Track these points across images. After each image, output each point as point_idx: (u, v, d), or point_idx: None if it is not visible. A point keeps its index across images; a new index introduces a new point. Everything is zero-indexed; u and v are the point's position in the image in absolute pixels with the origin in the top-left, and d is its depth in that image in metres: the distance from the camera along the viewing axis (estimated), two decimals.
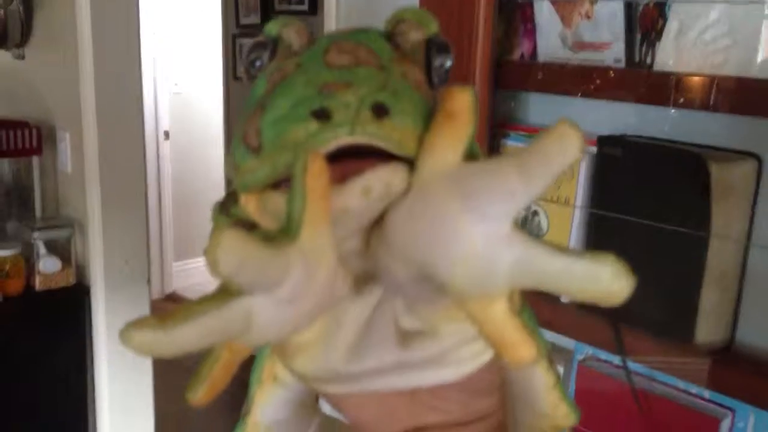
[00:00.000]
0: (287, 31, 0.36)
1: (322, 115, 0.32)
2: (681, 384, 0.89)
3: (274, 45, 0.36)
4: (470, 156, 0.33)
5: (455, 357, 0.41)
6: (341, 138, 0.31)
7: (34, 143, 2.05)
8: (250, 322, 0.31)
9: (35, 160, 2.09)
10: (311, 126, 0.32)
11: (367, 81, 0.33)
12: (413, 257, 0.31)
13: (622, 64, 0.88)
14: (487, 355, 0.42)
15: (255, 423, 0.46)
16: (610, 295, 0.30)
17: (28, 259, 1.98)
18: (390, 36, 0.36)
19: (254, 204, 0.35)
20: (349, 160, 0.32)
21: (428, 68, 0.36)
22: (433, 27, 0.37)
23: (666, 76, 0.85)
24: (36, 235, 1.98)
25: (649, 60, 0.87)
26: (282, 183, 0.33)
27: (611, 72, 0.89)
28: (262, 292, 0.31)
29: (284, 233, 0.31)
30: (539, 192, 0.29)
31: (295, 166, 0.31)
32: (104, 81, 1.93)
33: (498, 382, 0.42)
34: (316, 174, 0.30)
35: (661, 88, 0.85)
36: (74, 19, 1.92)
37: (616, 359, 0.93)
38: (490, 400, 0.41)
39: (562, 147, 0.29)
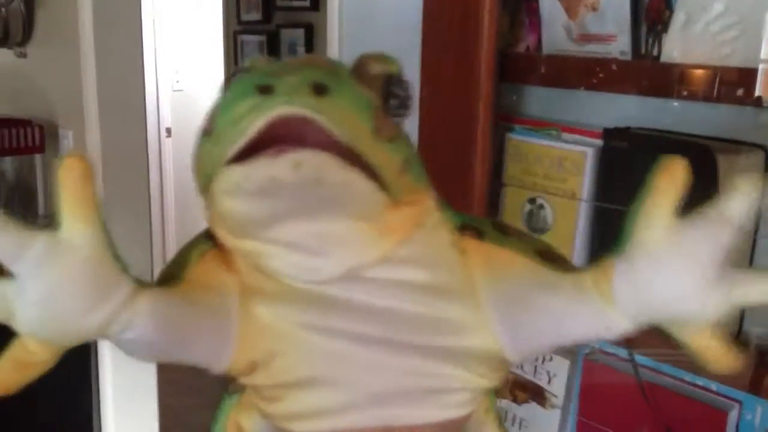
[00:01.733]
0: (259, 61, 0.41)
1: (266, 90, 0.35)
2: (688, 376, 0.88)
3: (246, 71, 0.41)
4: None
5: (451, 401, 0.43)
6: (280, 108, 0.34)
7: (37, 141, 2.05)
8: (9, 304, 0.35)
9: (38, 158, 2.09)
10: (254, 99, 0.35)
11: (314, 70, 0.37)
12: (655, 301, 0.37)
13: (628, 57, 0.88)
14: (472, 406, 0.46)
15: None
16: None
17: None
18: (355, 70, 0.41)
19: (217, 187, 0.38)
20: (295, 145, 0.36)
21: (386, 95, 0.40)
22: (395, 67, 0.42)
23: (671, 67, 0.84)
24: None
25: (655, 52, 0.86)
26: (238, 159, 0.36)
27: (616, 64, 0.89)
28: (2, 259, 0.34)
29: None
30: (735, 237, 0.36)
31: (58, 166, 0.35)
32: (106, 79, 1.93)
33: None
34: (68, 167, 0.35)
35: (667, 80, 0.85)
36: (76, 17, 1.91)
37: (623, 352, 0.93)
38: None
39: (751, 189, 0.36)
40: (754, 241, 0.83)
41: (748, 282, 0.37)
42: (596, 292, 0.38)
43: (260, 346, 0.42)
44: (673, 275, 0.36)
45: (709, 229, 0.36)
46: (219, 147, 0.37)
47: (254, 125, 0.35)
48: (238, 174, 0.36)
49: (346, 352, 0.42)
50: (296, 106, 0.35)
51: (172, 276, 0.41)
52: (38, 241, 0.35)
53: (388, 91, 0.41)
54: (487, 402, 0.49)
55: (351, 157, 0.36)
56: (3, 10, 2.09)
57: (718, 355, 0.38)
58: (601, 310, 0.39)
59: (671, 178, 0.36)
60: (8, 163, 2.19)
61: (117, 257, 0.37)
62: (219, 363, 0.43)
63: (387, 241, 0.40)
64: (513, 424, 1.09)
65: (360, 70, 0.41)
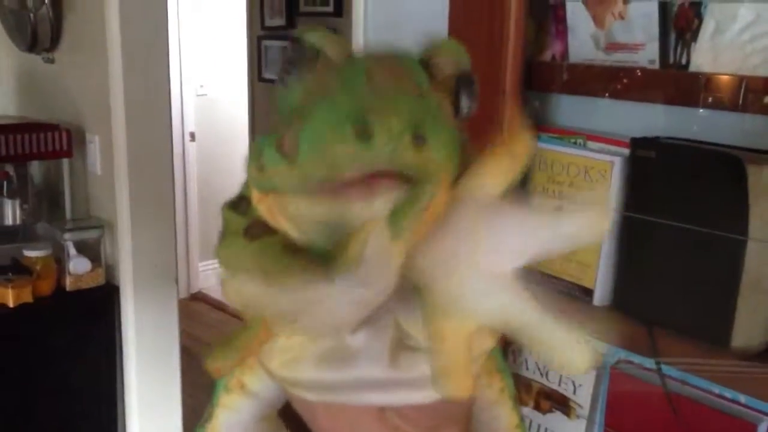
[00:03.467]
0: (329, 43, 0.36)
1: (364, 134, 0.31)
2: (716, 388, 0.88)
3: (313, 55, 0.36)
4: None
5: (427, 381, 0.41)
6: (381, 163, 0.31)
7: (65, 145, 2.08)
8: (319, 307, 0.32)
9: (65, 162, 2.12)
10: (351, 144, 0.31)
11: (408, 108, 0.33)
12: (425, 263, 0.32)
13: (657, 65, 0.87)
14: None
15: (214, 430, 0.47)
16: (572, 368, 0.33)
17: (59, 259, 2.01)
18: (425, 64, 0.37)
19: (270, 204, 0.35)
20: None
21: (457, 102, 0.37)
22: (466, 62, 0.38)
23: (698, 76, 0.84)
24: (66, 236, 2.00)
25: (684, 61, 0.86)
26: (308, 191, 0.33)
27: (642, 73, 0.89)
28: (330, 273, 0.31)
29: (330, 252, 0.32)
30: (549, 255, 0.32)
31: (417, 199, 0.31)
32: (133, 84, 1.95)
33: (465, 413, 0.43)
34: (440, 194, 0.31)
35: (694, 89, 0.84)
36: (103, 22, 1.94)
37: (650, 362, 0.92)
38: (454, 430, 0.42)
39: (592, 223, 0.32)
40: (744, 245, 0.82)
41: (532, 314, 0.33)
42: None
43: None
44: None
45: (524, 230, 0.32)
46: (301, 177, 0.33)
47: (350, 174, 0.32)
48: (318, 210, 0.33)
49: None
50: (397, 163, 0.32)
51: None
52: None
53: (461, 94, 0.38)
54: (502, 383, 0.48)
55: None
56: (31, 16, 2.12)
57: (456, 367, 0.34)
58: None
59: (515, 155, 0.33)
60: (36, 167, 2.23)
61: None
62: None
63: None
64: None
65: (432, 67, 0.37)
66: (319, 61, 0.36)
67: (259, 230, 0.37)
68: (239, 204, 0.39)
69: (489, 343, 0.42)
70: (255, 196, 0.37)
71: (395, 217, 0.31)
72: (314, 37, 0.37)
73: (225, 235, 0.39)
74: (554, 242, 0.31)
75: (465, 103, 0.37)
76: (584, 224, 0.32)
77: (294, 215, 0.34)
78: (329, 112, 0.33)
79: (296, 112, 0.34)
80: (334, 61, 0.36)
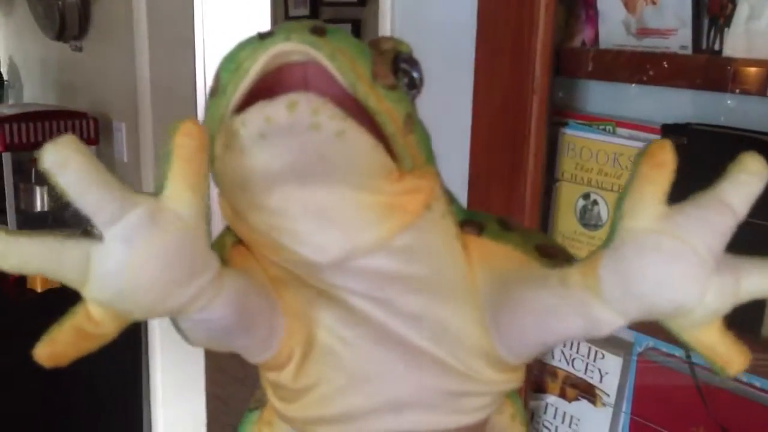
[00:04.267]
0: None
1: (266, 35, 0.35)
2: (745, 377, 0.87)
3: None
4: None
5: (468, 406, 0.43)
6: (279, 45, 0.34)
7: (92, 133, 2.10)
8: (88, 268, 0.32)
9: (92, 149, 2.14)
10: (255, 43, 0.35)
11: (316, 22, 0.37)
12: (644, 291, 0.33)
13: (689, 51, 0.86)
14: (487, 411, 0.44)
15: None
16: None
17: None
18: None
19: (219, 143, 0.37)
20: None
21: (395, 64, 0.40)
22: (406, 47, 0.42)
23: (731, 62, 0.82)
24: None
25: (717, 47, 0.85)
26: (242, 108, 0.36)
27: (672, 59, 0.88)
28: (97, 220, 0.32)
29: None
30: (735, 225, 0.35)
31: (172, 128, 0.33)
32: (159, 72, 1.97)
33: None
34: (185, 133, 0.32)
35: (724, 75, 0.83)
36: (131, 11, 1.95)
37: (678, 351, 0.92)
38: None
39: (753, 174, 0.34)
40: None
41: (755, 271, 0.34)
42: (582, 286, 0.35)
43: (298, 333, 0.41)
44: (662, 263, 0.32)
45: (703, 214, 0.33)
46: (224, 100, 0.36)
47: (254, 67, 0.35)
48: (236, 121, 0.35)
49: (360, 352, 0.40)
50: (294, 42, 0.34)
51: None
52: (141, 205, 0.32)
53: (398, 67, 0.40)
54: (512, 408, 0.49)
55: (351, 110, 0.35)
56: (60, 4, 2.14)
57: (726, 354, 0.36)
58: (588, 304, 0.35)
59: (657, 164, 0.33)
60: None
61: (210, 233, 0.35)
62: (269, 350, 0.41)
63: (392, 221, 0.38)
64: (563, 422, 1.08)
65: (371, 45, 0.40)
66: None
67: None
68: None
69: (519, 381, 0.45)
70: (223, 212, 0.42)
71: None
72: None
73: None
74: (742, 206, 0.35)
75: (404, 80, 0.40)
76: (744, 168, 0.35)
77: (232, 138, 0.36)
78: (244, 40, 0.37)
79: None
80: None
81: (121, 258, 0.32)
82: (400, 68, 0.40)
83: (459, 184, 1.10)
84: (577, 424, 1.06)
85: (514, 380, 0.44)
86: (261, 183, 0.36)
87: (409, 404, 0.41)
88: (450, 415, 0.42)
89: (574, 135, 1.01)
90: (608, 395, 1.02)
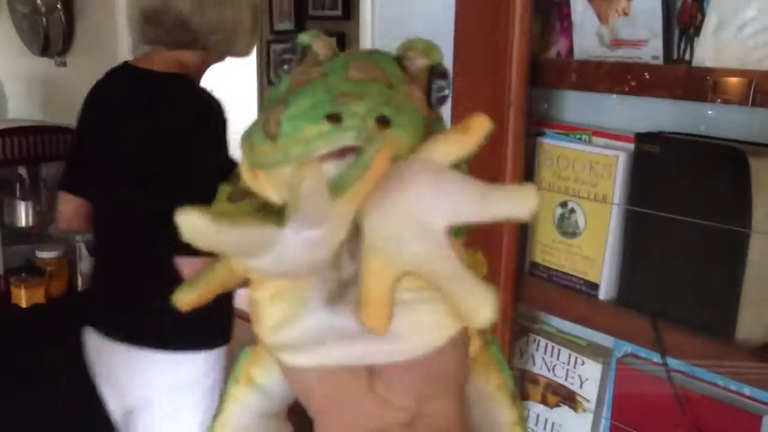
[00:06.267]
0: (317, 42, 0.42)
1: (334, 119, 0.37)
2: (721, 381, 0.88)
3: (303, 52, 0.42)
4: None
5: (408, 332, 0.43)
6: (347, 140, 0.36)
7: None
8: (271, 247, 0.35)
9: None
10: (323, 127, 0.37)
11: (376, 96, 0.38)
12: (368, 206, 0.35)
13: (660, 61, 0.88)
14: (438, 339, 0.45)
15: (224, 424, 0.48)
16: (475, 320, 0.35)
17: (71, 260, 2.03)
18: (400, 60, 0.42)
19: (259, 178, 0.39)
20: None
21: (429, 90, 0.41)
22: (437, 56, 0.42)
23: (703, 72, 0.84)
24: (78, 237, 2.02)
25: (687, 56, 0.86)
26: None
27: (647, 69, 0.89)
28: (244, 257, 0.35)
29: (279, 212, 0.36)
30: (480, 221, 0.34)
31: (364, 149, 0.35)
32: None
33: (456, 384, 0.44)
34: (380, 158, 0.34)
35: (699, 85, 0.85)
36: (115, 27, 1.96)
37: (656, 357, 0.93)
38: (443, 401, 0.43)
39: (522, 201, 0.34)
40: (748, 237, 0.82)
41: (445, 267, 0.35)
42: None
43: None
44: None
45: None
46: (282, 155, 0.38)
47: (321, 151, 0.37)
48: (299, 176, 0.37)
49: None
50: (361, 140, 0.37)
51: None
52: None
53: (431, 84, 0.43)
54: (498, 378, 0.49)
55: None
56: (44, 20, 2.14)
57: (379, 303, 0.37)
58: None
59: (470, 130, 0.35)
60: (48, 169, 2.25)
61: None
62: None
63: None
64: (545, 428, 1.09)
65: (405, 61, 0.42)
66: (307, 57, 0.42)
67: (243, 196, 0.42)
68: (233, 178, 0.43)
69: (476, 343, 0.46)
70: (247, 172, 0.42)
71: (340, 175, 0.36)
72: (305, 36, 0.42)
73: (213, 202, 0.43)
74: (485, 211, 0.35)
75: (436, 91, 0.41)
76: (515, 200, 0.35)
77: (278, 184, 0.39)
78: (307, 98, 0.38)
79: (281, 99, 0.40)
80: (320, 57, 0.42)
81: (300, 254, 0.35)
82: (436, 86, 0.42)
83: None
84: (558, 430, 1.07)
85: (477, 342, 0.47)
86: None
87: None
88: (402, 342, 0.45)
89: (551, 144, 1.02)
90: (588, 401, 1.03)
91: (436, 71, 0.42)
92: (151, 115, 1.39)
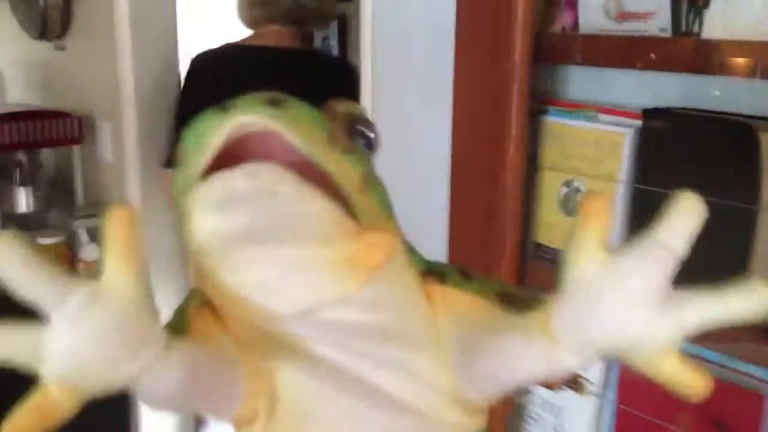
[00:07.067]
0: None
1: (225, 108, 0.38)
2: (729, 362, 0.86)
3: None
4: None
5: None
6: (239, 117, 0.37)
7: (75, 133, 2.08)
8: (41, 350, 0.34)
9: (76, 149, 2.12)
10: (215, 117, 0.38)
11: (273, 93, 0.39)
12: (596, 335, 0.36)
13: (668, 34, 0.86)
14: None
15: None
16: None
17: (71, 247, 2.02)
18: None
19: (185, 210, 0.40)
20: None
21: (352, 133, 0.42)
22: (359, 110, 0.44)
23: (711, 45, 0.82)
24: (78, 223, 2.01)
25: (696, 29, 0.84)
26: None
27: (654, 43, 0.87)
28: (42, 306, 0.34)
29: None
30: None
31: (103, 215, 0.36)
32: (143, 71, 1.95)
33: None
34: (115, 219, 0.35)
35: (706, 57, 0.83)
36: (113, 10, 1.94)
37: None
38: None
39: (690, 216, 0.37)
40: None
41: (702, 303, 0.37)
42: (541, 331, 0.38)
43: (262, 391, 0.43)
44: (610, 306, 0.36)
45: (644, 257, 0.36)
46: (189, 170, 0.39)
47: (215, 139, 0.37)
48: (200, 190, 0.38)
49: (327, 402, 0.43)
50: (252, 115, 0.37)
51: (177, 328, 0.42)
52: (81, 290, 0.35)
53: (354, 129, 0.42)
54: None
55: (310, 175, 0.38)
56: (42, 3, 2.12)
57: (686, 381, 0.39)
58: (547, 348, 0.38)
59: (596, 214, 0.36)
60: (47, 155, 2.23)
61: (154, 307, 0.37)
62: (230, 411, 0.43)
63: (353, 276, 0.40)
64: (548, 412, 1.08)
65: (327, 110, 0.43)
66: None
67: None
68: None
69: (483, 423, 0.48)
70: (192, 273, 0.43)
71: None
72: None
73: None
74: (680, 248, 0.38)
75: (360, 141, 0.42)
76: (682, 212, 0.37)
77: (191, 228, 0.39)
78: (205, 113, 0.40)
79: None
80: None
81: (66, 339, 0.34)
82: (356, 130, 0.42)
83: (441, 176, 1.10)
84: (562, 414, 1.06)
85: (479, 422, 0.47)
86: (225, 245, 0.39)
87: None
88: None
89: (555, 122, 1.00)
90: (593, 384, 1.02)
91: (357, 117, 0.43)
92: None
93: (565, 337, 0.37)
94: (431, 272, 0.46)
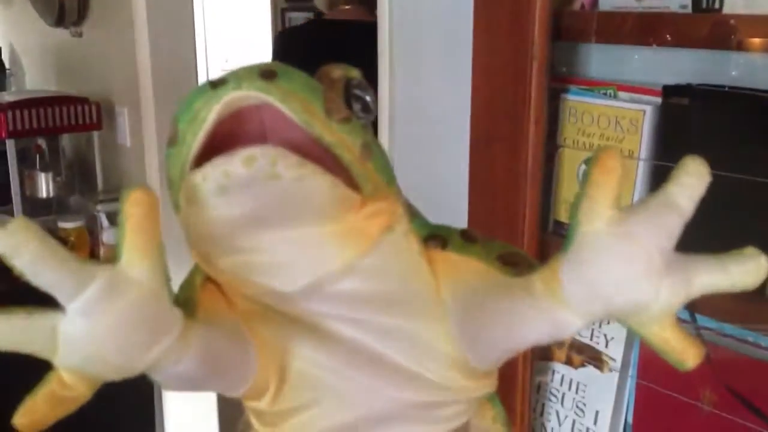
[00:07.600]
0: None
1: (218, 84, 0.37)
2: (751, 336, 0.87)
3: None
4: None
5: (445, 415, 0.45)
6: (231, 93, 0.36)
7: (94, 118, 2.10)
8: (56, 339, 0.34)
9: (95, 135, 2.14)
10: (208, 93, 0.37)
11: (266, 64, 0.38)
12: (604, 292, 0.36)
13: (689, 10, 0.85)
14: (463, 418, 0.46)
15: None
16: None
17: (92, 231, 2.04)
18: (316, 77, 0.41)
19: (182, 195, 0.38)
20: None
21: (348, 98, 0.42)
22: (356, 73, 0.43)
23: (731, 20, 0.82)
24: (99, 207, 2.03)
25: (717, 4, 0.84)
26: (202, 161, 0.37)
27: (674, 18, 0.87)
28: (59, 296, 0.33)
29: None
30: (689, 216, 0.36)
31: (122, 198, 0.34)
32: (160, 56, 1.96)
33: None
34: (134, 202, 0.34)
35: (727, 33, 0.82)
36: None
37: (685, 314, 0.92)
38: None
39: (696, 177, 0.36)
40: None
41: (704, 269, 0.36)
42: (546, 292, 0.37)
43: (272, 363, 0.43)
44: (618, 265, 0.35)
45: (653, 216, 0.35)
46: (183, 150, 0.38)
47: (210, 116, 0.36)
48: (197, 176, 0.36)
49: (335, 374, 0.43)
50: (245, 90, 0.36)
51: (186, 305, 0.40)
52: (99, 278, 0.33)
53: (350, 93, 0.42)
54: (493, 411, 0.50)
55: (308, 149, 0.37)
56: None
57: (680, 347, 0.38)
58: (552, 310, 0.37)
59: (606, 170, 0.35)
60: (66, 140, 2.26)
61: (171, 292, 0.37)
62: (244, 385, 0.43)
63: (355, 246, 0.39)
64: (570, 389, 1.08)
65: (321, 76, 0.42)
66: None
67: None
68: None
69: (492, 386, 0.47)
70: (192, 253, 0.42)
71: None
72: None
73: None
74: (687, 209, 0.36)
75: (356, 105, 0.42)
76: (687, 174, 0.37)
77: (193, 193, 0.38)
78: (195, 89, 0.38)
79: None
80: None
81: (83, 329, 0.34)
82: (352, 95, 0.42)
83: (461, 154, 1.10)
84: (584, 390, 1.07)
85: (487, 386, 0.47)
86: (226, 232, 0.38)
87: (386, 419, 0.44)
88: (428, 425, 0.45)
89: (575, 100, 1.00)
90: (615, 360, 1.02)
91: (353, 81, 0.42)
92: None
93: (572, 296, 0.36)
94: (433, 237, 0.46)
